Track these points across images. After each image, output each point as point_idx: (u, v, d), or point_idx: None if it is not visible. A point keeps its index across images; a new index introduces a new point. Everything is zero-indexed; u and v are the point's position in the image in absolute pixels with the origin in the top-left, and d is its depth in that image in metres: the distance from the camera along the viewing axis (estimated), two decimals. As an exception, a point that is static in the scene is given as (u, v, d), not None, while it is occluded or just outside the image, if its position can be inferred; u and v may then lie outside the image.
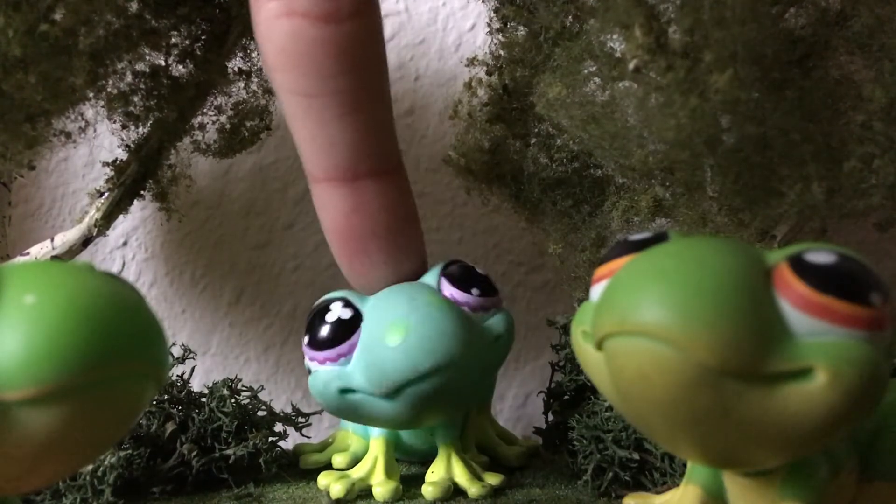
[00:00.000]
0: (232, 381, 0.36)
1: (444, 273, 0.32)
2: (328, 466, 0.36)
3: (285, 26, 0.28)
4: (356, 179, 0.31)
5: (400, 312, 0.30)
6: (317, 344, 0.31)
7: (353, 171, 0.31)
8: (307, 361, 0.32)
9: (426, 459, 0.34)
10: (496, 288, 0.33)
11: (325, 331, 0.31)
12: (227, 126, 0.41)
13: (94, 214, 0.39)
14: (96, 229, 0.39)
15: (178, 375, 0.36)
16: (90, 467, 0.31)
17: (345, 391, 0.31)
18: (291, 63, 0.29)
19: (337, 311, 0.31)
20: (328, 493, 0.32)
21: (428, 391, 0.30)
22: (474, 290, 0.32)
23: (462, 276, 0.32)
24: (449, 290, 0.32)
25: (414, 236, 0.33)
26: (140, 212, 0.53)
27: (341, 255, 0.32)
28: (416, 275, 0.33)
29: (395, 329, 0.30)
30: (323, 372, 0.31)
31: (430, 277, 0.32)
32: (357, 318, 0.31)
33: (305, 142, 0.30)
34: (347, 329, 0.31)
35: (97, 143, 0.51)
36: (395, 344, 0.29)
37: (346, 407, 0.31)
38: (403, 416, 0.31)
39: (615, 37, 0.29)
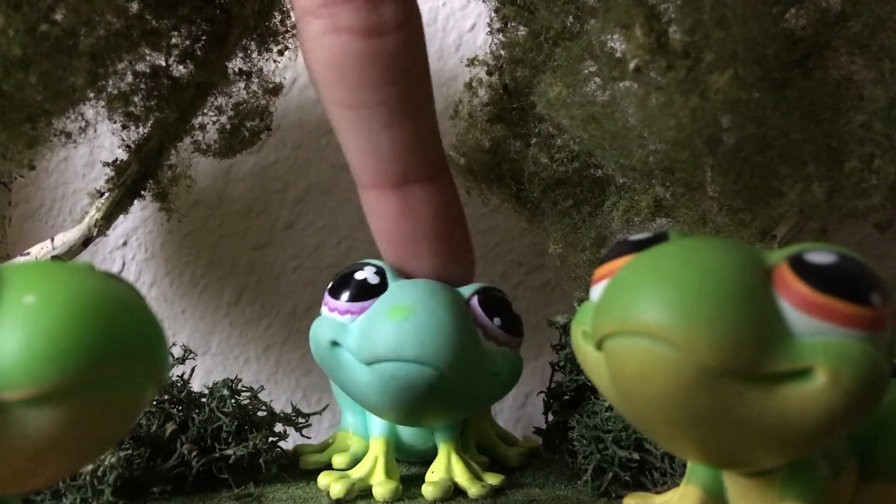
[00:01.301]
0: (232, 381, 0.36)
1: (480, 291, 0.32)
2: (328, 467, 0.36)
3: (332, 42, 0.29)
4: (404, 185, 0.32)
5: (415, 298, 0.31)
6: (337, 293, 0.32)
7: (400, 177, 0.32)
8: (323, 306, 0.33)
9: (426, 459, 0.34)
10: (520, 330, 0.33)
11: (348, 285, 0.32)
12: (228, 126, 0.41)
13: (94, 214, 0.39)
14: (96, 229, 0.39)
15: (178, 375, 0.36)
16: (90, 467, 0.31)
17: (335, 343, 0.31)
18: (338, 77, 0.30)
19: (367, 274, 0.32)
20: (328, 493, 0.32)
21: (402, 378, 0.30)
22: (496, 320, 0.32)
23: (492, 302, 0.32)
24: (474, 308, 0.32)
25: (462, 239, 0.34)
26: (140, 212, 0.53)
27: (391, 260, 0.33)
28: (463, 279, 0.33)
29: (400, 309, 0.30)
30: (328, 319, 0.32)
31: (466, 290, 0.33)
32: (381, 288, 0.32)
33: (354, 151, 0.32)
34: (368, 293, 0.32)
35: (97, 143, 0.51)
36: (392, 321, 0.30)
37: (330, 358, 0.32)
38: (372, 392, 0.31)
39: (616, 37, 0.29)
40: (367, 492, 0.32)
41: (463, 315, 0.31)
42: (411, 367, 0.29)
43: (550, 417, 0.39)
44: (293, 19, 0.34)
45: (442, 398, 0.31)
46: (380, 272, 0.32)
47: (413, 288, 0.31)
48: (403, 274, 0.33)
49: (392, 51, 0.30)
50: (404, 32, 0.30)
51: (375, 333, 0.30)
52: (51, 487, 0.32)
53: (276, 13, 0.40)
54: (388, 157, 0.31)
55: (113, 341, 0.18)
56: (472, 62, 0.39)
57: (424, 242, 0.32)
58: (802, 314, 0.20)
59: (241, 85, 0.40)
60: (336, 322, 0.32)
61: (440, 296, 0.31)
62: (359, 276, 0.32)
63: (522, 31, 0.36)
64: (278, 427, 0.37)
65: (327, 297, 0.32)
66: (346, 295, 0.32)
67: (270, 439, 0.36)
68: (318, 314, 0.33)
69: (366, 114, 0.30)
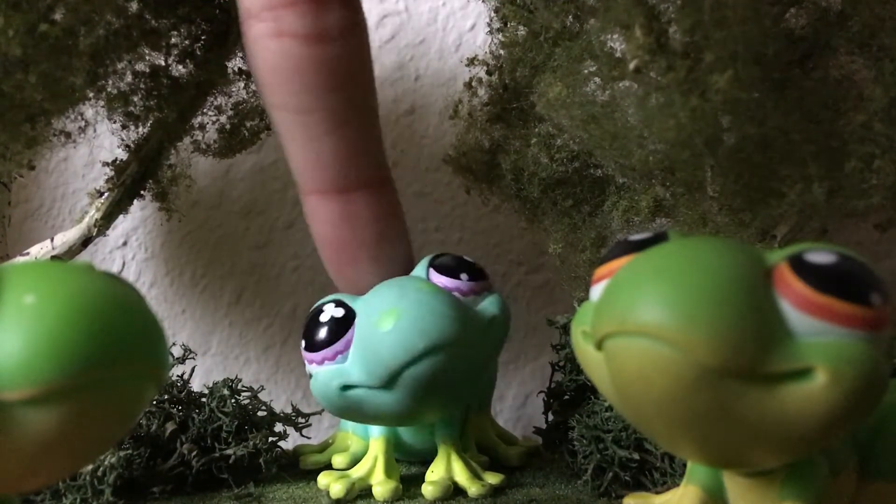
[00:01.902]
0: (232, 381, 0.36)
1: (432, 265, 0.33)
2: (328, 467, 0.36)
3: (275, 46, 0.29)
4: (345, 192, 0.32)
5: (391, 300, 0.31)
6: (313, 345, 0.31)
7: (341, 183, 0.32)
8: (307, 366, 0.32)
9: (426, 459, 0.34)
10: (485, 272, 0.34)
11: (319, 331, 0.31)
12: (227, 126, 0.41)
13: (94, 214, 0.39)
14: (96, 229, 0.39)
15: (178, 375, 0.36)
16: (90, 467, 0.31)
17: (345, 388, 0.31)
18: (281, 81, 0.30)
19: (330, 312, 0.32)
20: (328, 493, 0.32)
21: (425, 374, 0.30)
22: (463, 276, 0.32)
23: (449, 265, 0.33)
24: (438, 280, 0.32)
25: (402, 247, 0.34)
26: (140, 212, 0.53)
27: (331, 265, 0.33)
28: None
29: (387, 315, 0.30)
30: (322, 372, 0.31)
31: (419, 270, 0.33)
32: (350, 316, 0.31)
33: (296, 156, 0.32)
34: (341, 326, 0.31)
35: (97, 143, 0.51)
36: (387, 329, 0.30)
37: (349, 405, 0.31)
38: (404, 406, 0.31)
39: (615, 37, 0.29)
40: (367, 491, 0.32)
41: (437, 288, 0.31)
42: (428, 360, 0.29)
43: (550, 417, 0.39)
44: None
45: (462, 372, 0.31)
46: (339, 304, 0.32)
47: (381, 294, 0.31)
48: (346, 289, 0.33)
49: (335, 58, 0.30)
50: (348, 40, 0.30)
51: (379, 350, 0.30)
52: (51, 487, 0.32)
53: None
54: (329, 163, 0.31)
55: (113, 341, 0.18)
56: (472, 62, 0.39)
57: (364, 249, 0.33)
58: (802, 314, 0.20)
59: (241, 85, 0.40)
60: (332, 370, 0.31)
61: (410, 284, 0.31)
62: (323, 318, 0.32)
63: (522, 30, 0.36)
64: (278, 427, 0.37)
65: (309, 355, 0.32)
66: (323, 340, 0.31)
67: (270, 439, 0.36)
68: (311, 383, 0.32)
69: (308, 119, 0.31)
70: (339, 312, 0.31)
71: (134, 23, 0.35)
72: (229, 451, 0.34)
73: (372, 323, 0.30)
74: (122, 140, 0.39)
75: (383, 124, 0.34)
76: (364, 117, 0.32)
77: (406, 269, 0.34)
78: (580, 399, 0.36)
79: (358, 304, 0.32)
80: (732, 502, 0.25)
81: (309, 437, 0.39)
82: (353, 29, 0.30)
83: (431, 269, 0.32)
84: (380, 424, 0.34)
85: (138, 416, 0.22)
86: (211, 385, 0.36)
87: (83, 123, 0.35)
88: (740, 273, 0.20)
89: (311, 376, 0.32)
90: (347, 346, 0.31)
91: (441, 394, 0.31)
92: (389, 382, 0.30)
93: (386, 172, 0.33)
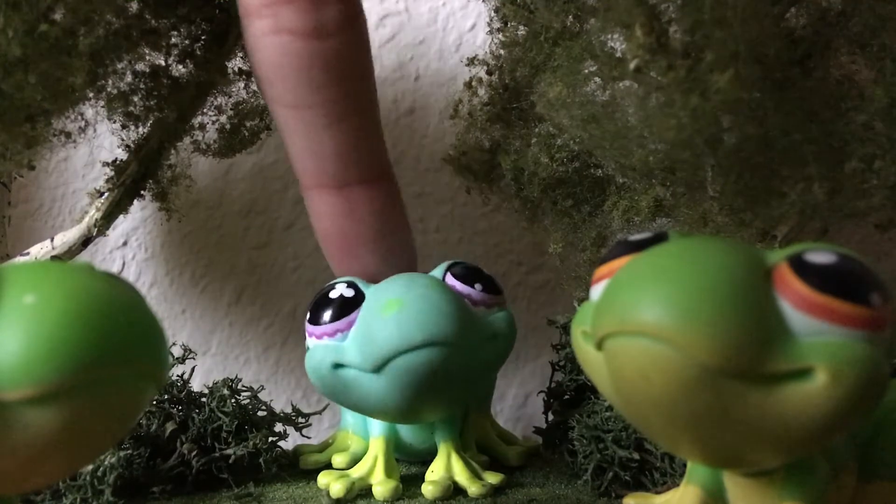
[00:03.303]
0: (232, 381, 0.36)
1: (450, 269, 0.33)
2: (328, 467, 0.36)
3: (274, 42, 0.30)
4: (345, 186, 0.32)
5: (398, 291, 0.31)
6: (317, 319, 0.32)
7: (341, 178, 0.32)
8: (307, 339, 0.32)
9: (426, 459, 0.34)
10: (500, 287, 0.34)
11: (326, 307, 0.32)
12: (227, 126, 0.41)
13: (94, 214, 0.39)
14: (96, 229, 0.39)
15: (178, 375, 0.36)
16: (90, 467, 0.31)
17: (337, 366, 0.31)
18: (280, 77, 0.30)
19: (340, 290, 0.32)
20: (328, 493, 0.32)
21: (415, 366, 0.30)
22: (477, 286, 0.33)
23: (466, 273, 0.33)
24: (452, 283, 0.32)
25: (404, 241, 0.34)
26: (140, 212, 0.53)
27: (333, 259, 0.34)
28: None
29: (391, 303, 0.30)
30: (319, 347, 0.32)
31: (436, 272, 0.33)
32: (359, 298, 0.32)
33: (296, 151, 0.32)
34: (348, 306, 0.31)
35: (97, 143, 0.51)
36: (388, 315, 0.30)
37: (337, 384, 0.32)
38: (388, 395, 0.31)
39: (616, 36, 0.29)
40: (366, 491, 0.32)
41: (446, 287, 0.32)
42: (422, 352, 0.29)
43: (550, 417, 0.39)
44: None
45: (456, 374, 0.31)
46: (351, 285, 0.32)
47: (392, 284, 0.32)
48: (370, 280, 0.33)
49: (334, 53, 0.30)
50: (347, 35, 0.30)
51: (377, 334, 0.30)
52: (51, 487, 0.32)
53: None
54: (328, 157, 0.31)
55: (113, 341, 0.18)
56: (472, 62, 0.39)
57: (366, 243, 0.33)
58: (802, 314, 0.20)
59: (241, 84, 0.40)
60: (329, 346, 0.31)
61: (421, 279, 0.32)
62: (333, 294, 0.32)
63: (522, 30, 0.36)
64: (278, 427, 0.37)
65: (310, 328, 0.32)
66: (328, 316, 0.32)
67: (270, 439, 0.36)
68: (307, 355, 0.32)
69: (307, 114, 0.31)
70: (349, 293, 0.32)
71: (134, 23, 0.35)
72: (229, 451, 0.34)
73: (376, 308, 0.31)
74: (122, 140, 0.39)
75: (383, 124, 0.34)
76: (363, 111, 0.32)
77: (410, 262, 0.34)
78: (580, 399, 0.36)
79: (369, 290, 0.32)
80: (732, 502, 0.25)
81: (309, 437, 0.39)
82: (351, 23, 0.30)
83: (448, 273, 0.33)
84: (362, 412, 0.34)
85: (138, 417, 0.22)
86: (211, 385, 0.36)
87: (83, 123, 0.35)
88: (740, 273, 0.20)
89: (307, 349, 0.32)
90: (349, 327, 0.31)
91: (426, 391, 0.31)
92: (379, 367, 0.30)
93: (386, 166, 0.33)
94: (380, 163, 0.33)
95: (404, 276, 0.32)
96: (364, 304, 0.31)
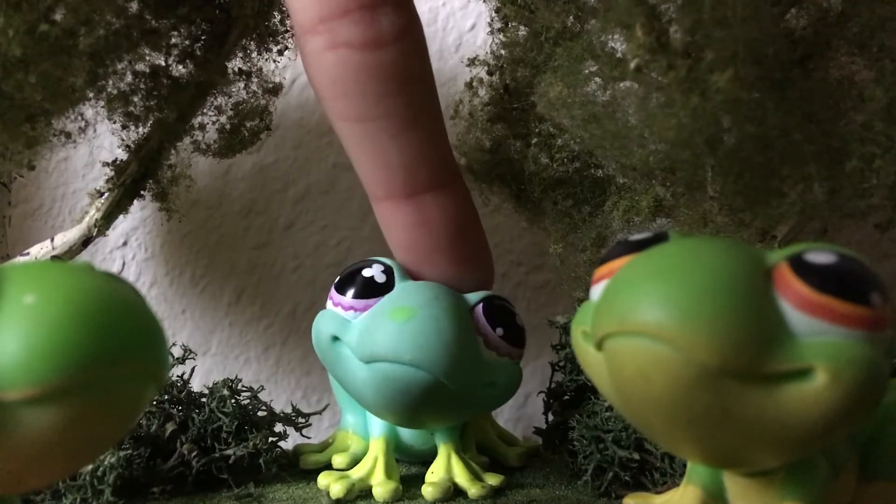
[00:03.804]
0: (232, 381, 0.36)
1: (486, 299, 0.32)
2: (328, 467, 0.36)
3: (332, 58, 0.30)
4: (415, 195, 0.32)
5: (419, 301, 0.31)
6: (342, 288, 0.32)
7: (411, 187, 0.32)
8: (328, 301, 0.33)
9: (426, 459, 0.34)
10: (523, 341, 0.33)
11: (354, 282, 0.32)
12: (227, 126, 0.41)
13: (94, 214, 0.39)
14: (96, 229, 0.39)
15: (178, 375, 0.36)
16: (90, 467, 0.31)
17: (336, 338, 0.31)
18: (342, 92, 0.30)
19: (375, 271, 0.32)
20: (328, 494, 0.32)
21: (396, 379, 0.30)
22: (499, 330, 0.32)
23: (496, 311, 0.32)
24: (478, 316, 0.32)
25: (478, 246, 0.34)
26: (140, 212, 0.53)
27: (409, 268, 0.33)
28: (481, 285, 0.33)
29: (403, 311, 0.30)
30: (331, 312, 0.32)
31: (474, 297, 0.32)
32: (387, 287, 0.32)
33: (363, 164, 0.32)
34: (373, 291, 0.32)
35: (97, 143, 0.51)
36: (393, 321, 0.30)
37: (330, 352, 0.32)
38: (367, 389, 0.31)
39: (616, 36, 0.29)
40: (367, 492, 0.32)
41: (465, 322, 0.31)
42: (407, 370, 0.29)
43: (550, 417, 0.39)
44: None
45: (436, 403, 0.31)
46: (387, 270, 0.32)
47: (419, 290, 0.31)
48: (412, 275, 0.33)
49: (393, 62, 0.30)
50: (404, 42, 0.30)
51: (376, 332, 0.30)
52: (51, 487, 0.32)
53: (275, 13, 0.40)
54: (397, 167, 0.31)
55: (113, 341, 0.18)
56: (472, 62, 0.39)
57: (440, 251, 0.32)
58: (802, 314, 0.20)
59: (241, 85, 0.40)
60: (339, 317, 0.32)
61: (444, 301, 0.31)
62: (366, 272, 0.32)
63: (523, 30, 0.36)
64: (278, 427, 0.37)
65: (333, 292, 0.32)
66: (351, 291, 0.32)
67: (270, 439, 0.36)
68: (318, 314, 0.33)
69: (372, 126, 0.30)
70: (381, 278, 0.32)
71: (134, 23, 0.35)
72: (229, 452, 0.34)
73: (390, 307, 0.31)
74: (122, 140, 0.39)
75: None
76: (428, 118, 0.31)
77: (484, 267, 0.34)
78: (580, 399, 0.36)
79: (400, 284, 0.32)
80: (732, 502, 0.25)
81: (309, 437, 0.39)
82: (407, 31, 0.30)
83: (482, 304, 0.32)
84: (343, 388, 0.34)
85: (138, 417, 0.22)
86: (211, 385, 0.36)
87: (83, 123, 0.35)
88: (740, 273, 0.20)
89: (324, 310, 0.33)
90: (365, 309, 0.31)
91: (401, 404, 0.31)
92: (366, 362, 0.30)
93: (455, 172, 0.33)
94: (448, 169, 0.33)
95: (435, 289, 0.32)
96: (387, 295, 0.31)
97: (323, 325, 0.32)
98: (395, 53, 0.30)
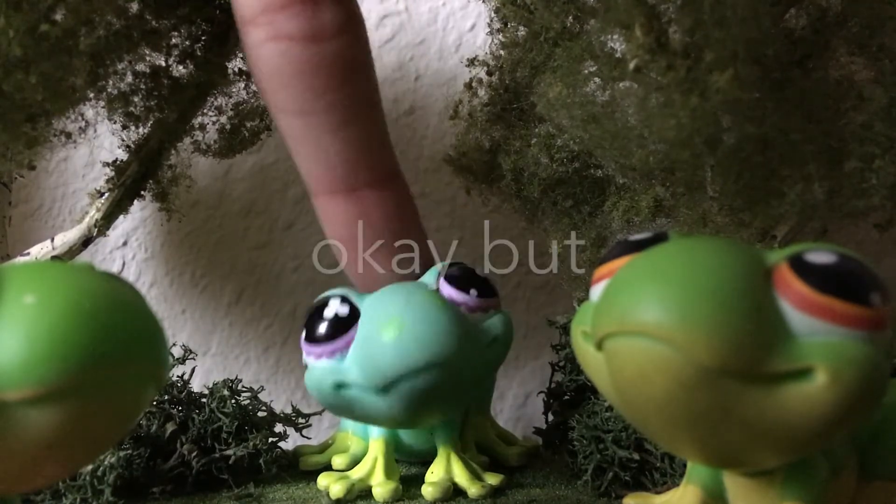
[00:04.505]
0: (232, 381, 0.36)
1: (443, 275, 0.32)
2: (328, 467, 0.36)
3: (273, 50, 0.30)
4: (355, 190, 0.32)
5: (396, 309, 0.30)
6: (314, 339, 0.31)
7: (350, 182, 0.32)
8: (304, 356, 0.32)
9: (426, 460, 0.34)
10: (496, 290, 0.33)
11: (321, 327, 0.31)
12: (228, 126, 0.41)
13: (94, 214, 0.39)
14: (96, 229, 0.39)
15: (178, 376, 0.36)
16: (90, 467, 0.31)
17: (339, 386, 0.31)
18: (282, 84, 0.30)
19: (335, 308, 0.31)
20: (328, 494, 0.32)
21: (421, 387, 0.30)
22: (472, 291, 0.32)
23: (461, 277, 0.32)
24: (447, 290, 0.32)
25: (417, 243, 0.34)
26: (140, 212, 0.53)
27: (346, 265, 0.33)
28: (425, 266, 0.33)
29: (390, 325, 0.30)
30: (318, 367, 0.31)
31: (429, 277, 0.33)
32: (354, 315, 0.31)
33: (303, 158, 0.32)
34: (344, 325, 0.31)
35: (97, 143, 0.51)
36: (389, 339, 0.30)
37: (341, 402, 0.31)
38: (397, 411, 0.31)
39: (616, 37, 0.29)
40: (366, 492, 0.32)
41: (444, 302, 0.31)
42: (426, 375, 0.29)
43: (550, 417, 0.39)
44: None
45: (460, 387, 0.31)
46: (345, 300, 0.32)
47: (387, 301, 0.31)
48: (363, 287, 0.33)
49: (333, 56, 0.30)
50: (345, 37, 0.30)
51: (378, 357, 0.30)
52: (51, 487, 0.32)
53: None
54: (336, 163, 0.31)
55: (113, 341, 0.18)
56: (472, 62, 0.39)
57: (380, 247, 0.32)
58: (802, 314, 0.20)
59: (241, 85, 0.40)
60: (328, 366, 0.31)
61: (417, 295, 0.31)
62: (327, 313, 0.31)
63: (522, 31, 0.36)
64: (278, 427, 0.37)
65: (307, 347, 0.32)
66: (324, 336, 0.31)
67: (270, 439, 0.36)
68: (306, 373, 0.32)
69: (312, 121, 0.30)
70: (344, 310, 0.31)
71: (134, 23, 0.35)
72: (229, 452, 0.34)
73: (374, 329, 0.30)
74: (123, 140, 0.39)
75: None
76: (368, 114, 0.31)
77: (426, 264, 0.34)
78: (580, 399, 0.36)
79: (364, 304, 0.32)
80: (732, 502, 0.25)
81: (309, 438, 0.39)
82: (349, 25, 0.30)
83: (442, 279, 0.32)
84: (370, 424, 0.34)
85: (138, 417, 0.22)
86: (211, 385, 0.36)
87: (83, 123, 0.35)
88: (740, 273, 0.20)
89: (306, 367, 0.32)
90: (347, 346, 0.31)
91: (434, 405, 0.31)
92: (385, 389, 0.30)
93: (395, 169, 0.33)
94: (388, 165, 0.33)
95: (400, 291, 0.31)
96: (361, 321, 0.31)
97: (320, 379, 0.31)
98: (336, 47, 0.30)
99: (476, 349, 0.31)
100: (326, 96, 0.30)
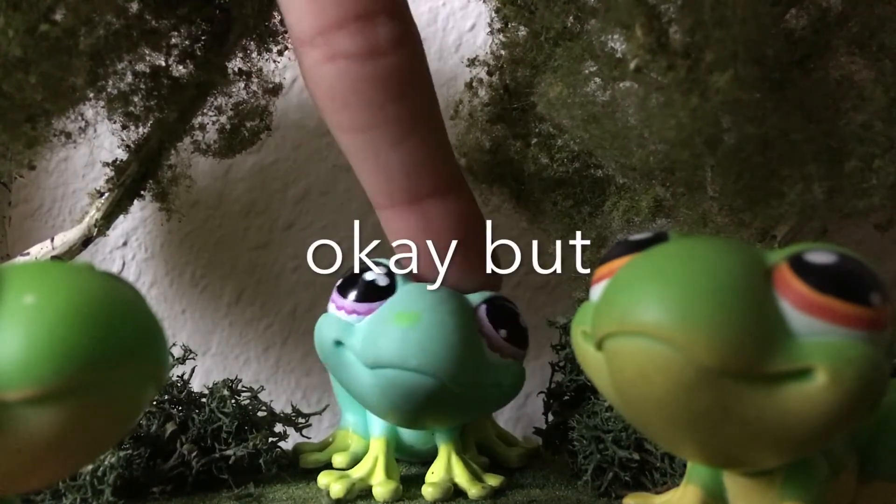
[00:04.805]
0: (232, 381, 0.36)
1: (489, 300, 0.32)
2: (328, 466, 0.36)
3: (330, 70, 0.30)
4: (419, 201, 0.32)
5: (422, 306, 0.30)
6: (344, 292, 0.32)
7: (413, 194, 0.32)
8: (330, 300, 0.32)
9: (426, 460, 0.34)
10: (526, 341, 0.33)
11: (355, 285, 0.32)
12: (227, 126, 0.41)
13: (94, 214, 0.39)
14: (96, 229, 0.39)
15: (178, 376, 0.36)
16: (90, 467, 0.31)
17: (340, 343, 0.31)
18: (342, 103, 0.30)
19: (376, 276, 0.32)
20: (328, 493, 0.32)
21: (404, 384, 0.30)
22: (502, 331, 0.32)
23: (500, 312, 0.32)
24: (482, 318, 0.32)
25: (483, 250, 0.34)
26: (140, 212, 0.53)
27: (417, 276, 0.33)
28: (485, 287, 0.33)
29: (408, 316, 0.30)
30: (333, 317, 0.32)
31: (476, 297, 0.32)
32: (390, 290, 0.32)
33: (366, 173, 0.32)
34: (375, 294, 0.31)
35: (97, 143, 0.51)
36: (398, 327, 0.30)
37: (333, 357, 0.32)
38: (372, 393, 0.31)
39: (616, 37, 0.29)
40: (367, 492, 0.32)
41: (469, 325, 0.31)
42: (413, 375, 0.29)
43: (550, 417, 0.39)
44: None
45: (441, 406, 0.31)
46: (389, 274, 0.32)
47: (422, 294, 0.31)
48: (414, 277, 0.33)
49: (391, 70, 0.30)
50: (402, 51, 0.30)
51: (381, 338, 0.30)
52: (51, 487, 0.32)
53: (275, 13, 0.40)
54: (398, 175, 0.31)
55: (113, 341, 0.18)
56: (472, 62, 0.39)
57: (444, 257, 0.32)
58: (802, 314, 0.20)
59: (241, 85, 0.40)
60: (342, 321, 0.31)
61: (448, 304, 0.31)
62: (368, 276, 0.32)
63: (523, 31, 0.36)
64: (278, 427, 0.37)
65: (335, 295, 0.32)
66: (353, 294, 0.32)
67: (270, 439, 0.36)
68: (318, 314, 0.33)
69: (372, 135, 0.31)
70: (384, 281, 0.32)
71: (134, 23, 0.35)
72: (229, 452, 0.34)
73: (394, 312, 0.30)
74: (123, 140, 0.39)
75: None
76: (428, 125, 0.31)
77: (489, 274, 0.33)
78: (580, 399, 0.36)
79: (403, 287, 0.32)
80: (732, 502, 0.25)
81: (309, 438, 0.39)
82: (405, 39, 0.30)
83: (484, 305, 0.32)
84: (344, 390, 0.34)
85: (138, 417, 0.22)
86: (211, 385, 0.36)
87: (83, 123, 0.35)
88: (740, 273, 0.20)
89: (325, 313, 0.32)
90: (368, 313, 0.31)
91: (407, 407, 0.31)
92: (372, 368, 0.30)
93: (458, 178, 0.33)
94: (450, 175, 0.33)
95: (438, 293, 0.31)
96: (390, 299, 0.31)
97: (326, 330, 0.32)
98: (394, 62, 0.30)
99: (474, 383, 0.31)
100: (386, 110, 0.30)
